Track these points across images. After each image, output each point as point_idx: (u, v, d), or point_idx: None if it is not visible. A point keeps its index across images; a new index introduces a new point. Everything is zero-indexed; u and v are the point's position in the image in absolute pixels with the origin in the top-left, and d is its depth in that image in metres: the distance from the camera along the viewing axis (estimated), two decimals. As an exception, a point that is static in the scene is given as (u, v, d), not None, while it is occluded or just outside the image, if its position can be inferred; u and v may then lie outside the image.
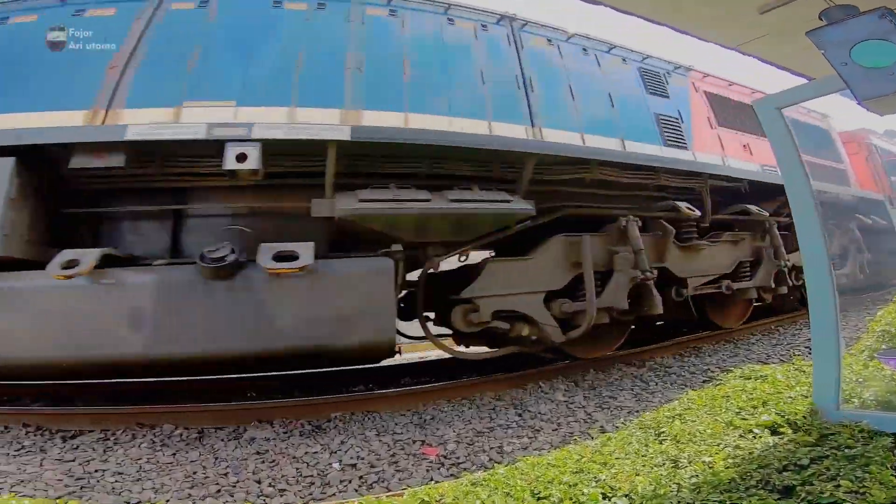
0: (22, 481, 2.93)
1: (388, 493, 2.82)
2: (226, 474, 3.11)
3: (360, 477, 3.10)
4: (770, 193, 6.73)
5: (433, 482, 2.98)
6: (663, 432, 3.29)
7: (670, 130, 6.04)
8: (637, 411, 4.05)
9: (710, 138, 6.49)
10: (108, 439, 3.63)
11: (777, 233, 6.74)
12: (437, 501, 2.55)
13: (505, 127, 4.86)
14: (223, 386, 4.71)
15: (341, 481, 3.04)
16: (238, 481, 3.03)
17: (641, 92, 6.13)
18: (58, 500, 2.63)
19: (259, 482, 3.03)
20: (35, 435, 3.65)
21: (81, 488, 2.92)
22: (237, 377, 4.87)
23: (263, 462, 3.28)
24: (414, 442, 3.56)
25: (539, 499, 2.49)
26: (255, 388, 4.94)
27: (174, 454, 3.38)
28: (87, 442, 3.57)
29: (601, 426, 3.81)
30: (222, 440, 3.63)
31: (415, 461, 3.29)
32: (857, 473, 2.09)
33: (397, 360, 4.90)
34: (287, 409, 4.13)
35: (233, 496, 2.87)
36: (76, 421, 3.92)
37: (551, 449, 3.39)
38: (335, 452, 3.40)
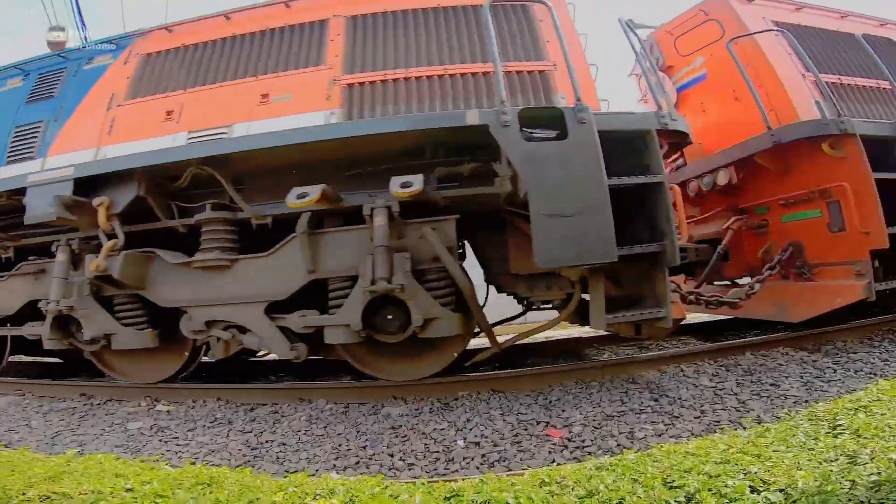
0: (213, 451, 3.50)
1: (508, 472, 2.83)
2: (364, 447, 3.41)
3: (483, 455, 3.14)
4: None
5: (555, 464, 2.91)
6: (840, 425, 2.78)
7: (21, 141, 5.19)
8: (806, 401, 3.43)
9: (94, 126, 4.93)
10: (277, 412, 4.19)
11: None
12: (557, 483, 2.48)
13: None
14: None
15: (464, 458, 3.12)
16: (374, 454, 3.30)
17: (15, 107, 5.44)
18: (237, 469, 3.10)
19: (391, 455, 3.26)
20: (225, 408, 4.41)
21: (255, 457, 3.39)
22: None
23: (396, 437, 3.52)
24: (538, 423, 3.49)
25: (671, 487, 2.27)
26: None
27: (325, 427, 3.80)
28: (261, 415, 4.16)
29: (757, 416, 3.30)
30: (364, 415, 3.98)
31: (537, 442, 3.24)
32: None
33: (526, 339, 4.82)
34: (420, 387, 4.39)
35: (368, 468, 3.13)
36: (254, 395, 4.64)
37: (691, 437, 3.04)
38: (461, 430, 3.50)
